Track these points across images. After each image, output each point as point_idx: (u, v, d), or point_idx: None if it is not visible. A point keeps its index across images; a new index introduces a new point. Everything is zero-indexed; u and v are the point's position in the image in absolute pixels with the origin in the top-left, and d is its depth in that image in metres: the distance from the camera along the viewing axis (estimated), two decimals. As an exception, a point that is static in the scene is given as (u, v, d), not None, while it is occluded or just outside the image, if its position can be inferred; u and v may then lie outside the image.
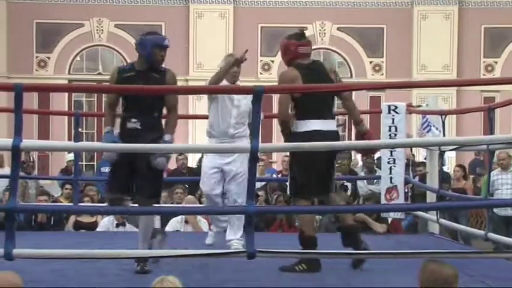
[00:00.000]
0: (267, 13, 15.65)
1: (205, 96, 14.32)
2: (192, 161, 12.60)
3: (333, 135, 5.32)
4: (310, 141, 5.13)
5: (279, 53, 16.26)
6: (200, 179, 6.51)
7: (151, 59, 5.30)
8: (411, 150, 9.28)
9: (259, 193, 9.14)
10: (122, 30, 15.56)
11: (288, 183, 5.51)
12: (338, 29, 15.83)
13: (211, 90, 6.28)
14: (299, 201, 5.41)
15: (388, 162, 7.50)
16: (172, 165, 12.01)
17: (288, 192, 5.71)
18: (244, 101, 6.15)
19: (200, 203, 9.40)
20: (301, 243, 5.33)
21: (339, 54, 16.01)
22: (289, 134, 5.38)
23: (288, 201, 8.33)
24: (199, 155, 12.27)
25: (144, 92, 5.28)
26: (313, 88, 5.21)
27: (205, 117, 6.61)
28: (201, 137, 14.30)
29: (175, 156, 11.87)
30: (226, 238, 6.25)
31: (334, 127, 5.46)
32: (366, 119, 14.82)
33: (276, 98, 14.92)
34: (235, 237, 6.20)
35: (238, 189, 6.16)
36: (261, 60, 15.67)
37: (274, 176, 11.52)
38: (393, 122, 7.41)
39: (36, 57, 15.58)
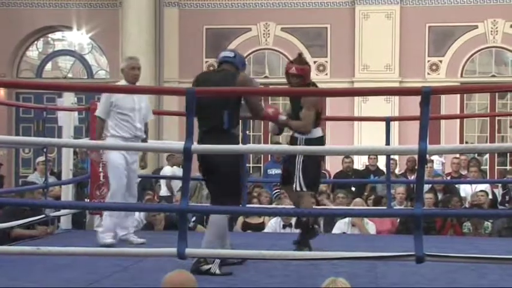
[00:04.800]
0: (435, 12, 15.27)
1: (372, 98, 14.18)
2: (357, 163, 12.52)
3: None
4: (323, 144, 6.18)
5: (448, 53, 15.91)
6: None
7: None
8: None
9: (427, 195, 8.92)
10: (288, 34, 15.71)
11: (300, 179, 6.04)
12: (511, 26, 15.22)
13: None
14: (306, 196, 6.10)
15: None
16: (338, 167, 12.01)
17: (298, 188, 6.10)
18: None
19: (367, 205, 9.34)
20: (301, 227, 6.15)
21: (512, 52, 15.41)
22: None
23: None
24: (366, 157, 12.22)
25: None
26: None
27: (372, 119, 6.57)
28: (367, 139, 14.22)
29: (341, 159, 11.85)
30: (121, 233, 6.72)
31: None
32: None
33: (444, 98, 14.60)
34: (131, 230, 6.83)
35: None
36: (429, 61, 15.31)
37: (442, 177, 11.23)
38: None
39: (206, 62, 16.00)
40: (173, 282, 3.27)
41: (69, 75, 16.73)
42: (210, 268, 5.20)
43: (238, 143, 5.61)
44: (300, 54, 6.33)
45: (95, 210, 8.32)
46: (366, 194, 10.07)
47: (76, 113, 8.58)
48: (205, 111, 5.26)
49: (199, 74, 5.78)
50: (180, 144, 4.81)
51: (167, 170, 11.97)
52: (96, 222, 9.22)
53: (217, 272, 5.22)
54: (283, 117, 5.92)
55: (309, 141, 6.07)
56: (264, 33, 15.84)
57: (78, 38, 16.22)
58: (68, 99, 8.33)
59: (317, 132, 6.17)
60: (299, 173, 6.09)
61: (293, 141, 6.23)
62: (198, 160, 5.44)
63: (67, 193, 8.33)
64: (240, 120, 6.00)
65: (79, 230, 8.57)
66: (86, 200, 8.74)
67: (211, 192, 5.55)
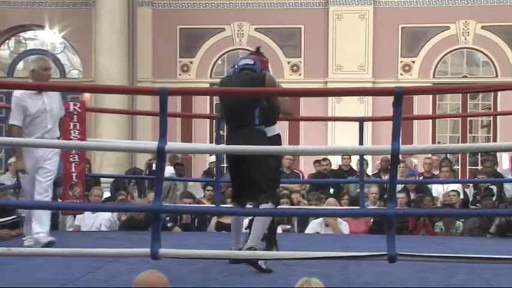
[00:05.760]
0: (407, 13, 15.36)
1: (345, 98, 14.24)
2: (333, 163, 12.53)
3: None
4: (281, 141, 6.04)
5: (421, 54, 16.01)
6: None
7: None
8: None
9: (400, 195, 8.97)
10: (262, 34, 15.71)
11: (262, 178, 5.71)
12: (482, 27, 15.34)
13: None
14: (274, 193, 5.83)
15: (536, 165, 7.22)
16: (311, 167, 12.02)
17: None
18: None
19: (341, 205, 9.37)
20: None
21: (483, 53, 15.51)
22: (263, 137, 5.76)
23: None
24: (339, 157, 12.26)
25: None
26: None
27: (346, 119, 6.59)
28: (340, 140, 14.27)
29: (314, 159, 11.85)
30: (34, 231, 6.42)
31: None
32: (513, 119, 14.44)
33: (417, 98, 14.70)
34: (42, 230, 6.42)
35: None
36: (402, 61, 15.40)
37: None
38: (542, 123, 7.12)
39: (180, 62, 15.99)
40: (146, 282, 3.26)
41: (42, 74, 16.59)
42: (258, 261, 5.30)
43: (268, 142, 5.61)
44: (258, 48, 6.38)
45: (67, 210, 8.27)
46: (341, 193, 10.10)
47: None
48: (235, 112, 5.50)
49: (223, 78, 5.99)
50: (153, 144, 4.79)
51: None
52: (68, 222, 9.17)
53: (264, 266, 5.32)
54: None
55: (271, 139, 6.10)
56: (238, 33, 15.85)
57: (50, 37, 16.11)
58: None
59: (276, 130, 6.18)
60: None
61: None
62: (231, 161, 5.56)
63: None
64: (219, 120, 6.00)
65: (52, 230, 8.50)
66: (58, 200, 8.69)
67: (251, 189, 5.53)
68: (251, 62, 5.74)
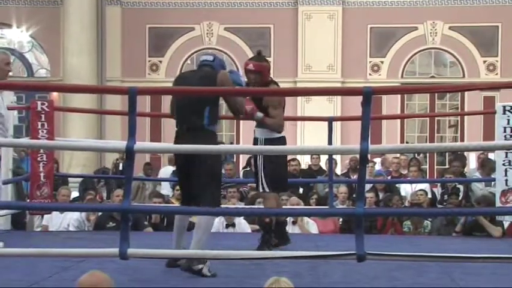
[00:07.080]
0: (376, 13, 15.45)
1: (314, 98, 14.29)
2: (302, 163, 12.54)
3: None
4: (285, 144, 6.21)
5: (389, 54, 16.09)
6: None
7: None
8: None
9: (368, 195, 9.02)
10: (232, 34, 15.72)
11: (262, 180, 6.11)
12: (450, 28, 15.48)
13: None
14: (269, 197, 6.19)
15: (503, 164, 7.29)
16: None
17: (265, 189, 6.15)
18: None
19: (309, 204, 9.38)
20: (264, 227, 6.24)
21: (451, 53, 15.64)
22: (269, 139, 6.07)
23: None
24: (308, 156, 12.29)
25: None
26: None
27: (315, 118, 6.62)
28: (309, 139, 14.32)
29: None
30: None
31: None
32: (479, 119, 14.59)
33: (385, 98, 14.79)
34: None
35: None
36: (370, 62, 15.49)
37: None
38: (509, 123, 7.20)
39: (149, 61, 15.93)
40: (86, 282, 3.25)
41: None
42: (202, 268, 5.15)
43: (217, 141, 5.49)
44: (259, 52, 6.35)
45: (35, 210, 8.20)
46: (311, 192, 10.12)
47: (15, 112, 8.39)
48: (184, 110, 5.28)
49: (179, 74, 5.90)
50: (122, 144, 4.77)
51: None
52: (36, 222, 9.09)
53: (207, 273, 5.16)
54: (260, 115, 5.99)
55: (270, 141, 6.08)
56: (207, 33, 15.82)
57: (18, 35, 15.95)
58: (7, 97, 8.19)
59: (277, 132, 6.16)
60: (261, 173, 6.11)
61: (255, 142, 6.23)
62: (178, 159, 5.47)
63: (6, 193, 8.17)
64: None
65: (19, 230, 8.43)
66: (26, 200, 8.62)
67: (192, 191, 5.34)
68: (210, 58, 5.54)
